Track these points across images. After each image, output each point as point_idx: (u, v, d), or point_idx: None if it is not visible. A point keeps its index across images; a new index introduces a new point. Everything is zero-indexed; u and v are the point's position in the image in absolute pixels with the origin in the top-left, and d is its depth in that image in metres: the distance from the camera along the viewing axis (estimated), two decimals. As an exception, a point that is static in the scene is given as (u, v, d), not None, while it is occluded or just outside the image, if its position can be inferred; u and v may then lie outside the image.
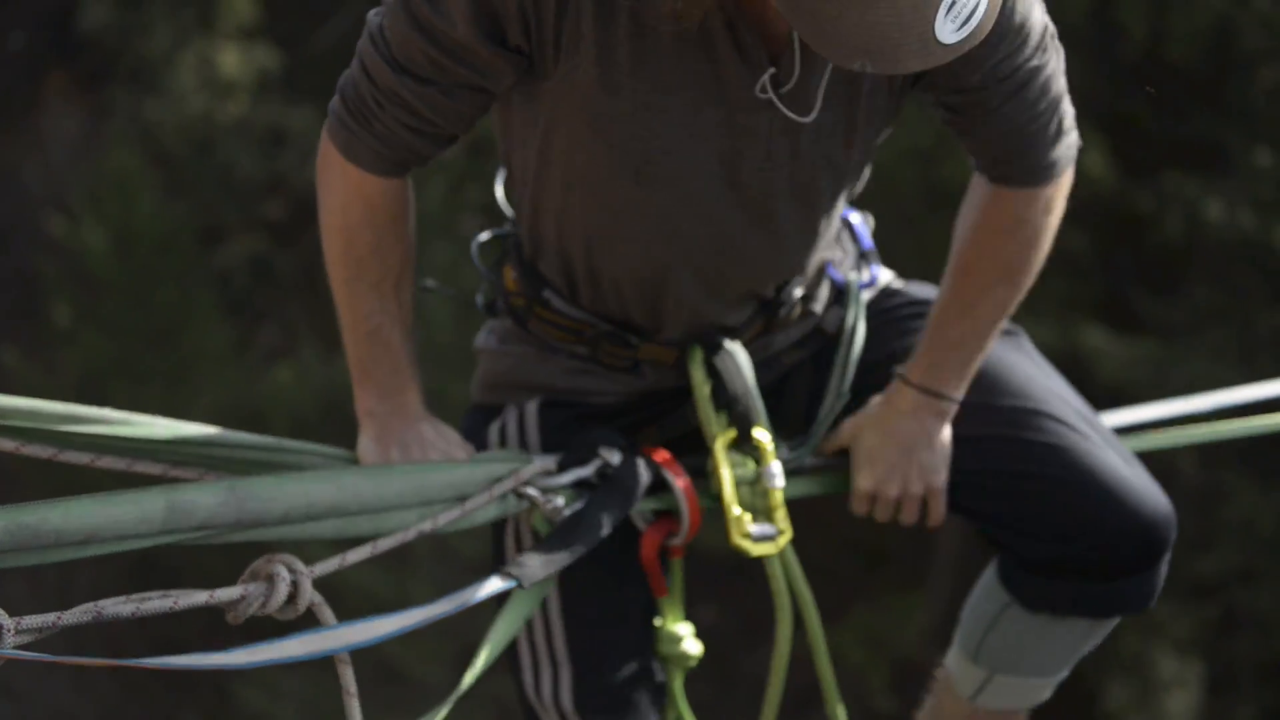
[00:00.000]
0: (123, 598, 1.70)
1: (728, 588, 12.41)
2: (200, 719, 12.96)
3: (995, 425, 2.21)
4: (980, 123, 2.05)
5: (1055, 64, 2.07)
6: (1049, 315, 12.00)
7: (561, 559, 2.02)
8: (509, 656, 2.25)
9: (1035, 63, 2.03)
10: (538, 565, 1.99)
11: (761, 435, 2.20)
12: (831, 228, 2.19)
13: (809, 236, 2.14)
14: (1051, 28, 2.05)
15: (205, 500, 1.78)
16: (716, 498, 2.16)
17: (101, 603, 1.68)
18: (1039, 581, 2.29)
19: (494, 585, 1.97)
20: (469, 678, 1.98)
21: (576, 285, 2.13)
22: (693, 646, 2.27)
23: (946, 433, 2.21)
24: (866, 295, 2.30)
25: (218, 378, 12.88)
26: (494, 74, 1.94)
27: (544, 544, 2.03)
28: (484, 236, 2.30)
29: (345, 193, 2.05)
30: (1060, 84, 2.09)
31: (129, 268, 13.19)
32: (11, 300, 14.92)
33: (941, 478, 2.21)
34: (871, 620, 12.59)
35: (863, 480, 2.23)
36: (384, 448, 2.09)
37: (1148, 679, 12.25)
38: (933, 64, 1.67)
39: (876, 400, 2.25)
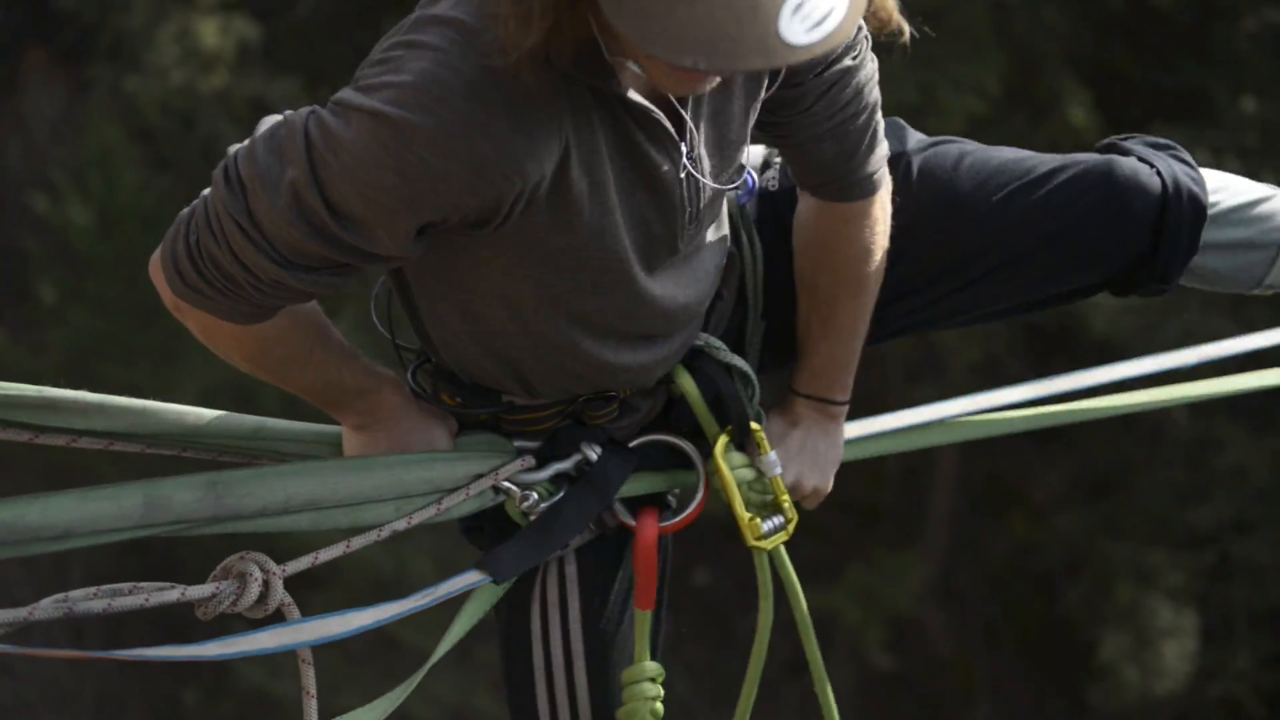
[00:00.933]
0: (93, 591, 1.70)
1: (722, 550, 12.41)
2: (201, 697, 12.99)
3: (970, 259, 2.24)
4: (797, 125, 2.02)
5: (872, 69, 2.04)
6: (1038, 269, 11.94)
7: (535, 555, 2.03)
8: (521, 702, 2.22)
9: (849, 63, 1.99)
10: (510, 561, 2.00)
11: (757, 425, 2.18)
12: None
13: (724, 238, 2.13)
14: (867, 33, 2.00)
15: (182, 495, 1.76)
16: (721, 496, 2.15)
17: (73, 596, 1.68)
18: (1142, 282, 2.31)
19: (468, 579, 1.98)
20: (433, 659, 1.98)
21: (533, 386, 2.05)
22: (659, 696, 2.16)
23: (839, 433, 2.27)
24: (751, 208, 2.22)
25: (207, 353, 12.77)
26: (404, 259, 1.84)
27: (518, 539, 2.03)
28: (410, 373, 2.14)
29: (233, 339, 1.91)
30: (876, 93, 2.07)
31: (114, 244, 13.15)
32: (-3, 279, 14.88)
33: (829, 479, 2.27)
34: (866, 578, 12.61)
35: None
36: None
37: (1143, 629, 12.29)
38: (777, 64, 1.58)
39: (777, 405, 2.28)
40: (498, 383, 2.05)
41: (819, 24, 1.56)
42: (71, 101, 15.09)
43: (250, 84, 14.22)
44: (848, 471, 2.33)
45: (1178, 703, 12.59)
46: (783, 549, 2.20)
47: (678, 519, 2.16)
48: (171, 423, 1.88)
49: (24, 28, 15.71)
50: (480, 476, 2.02)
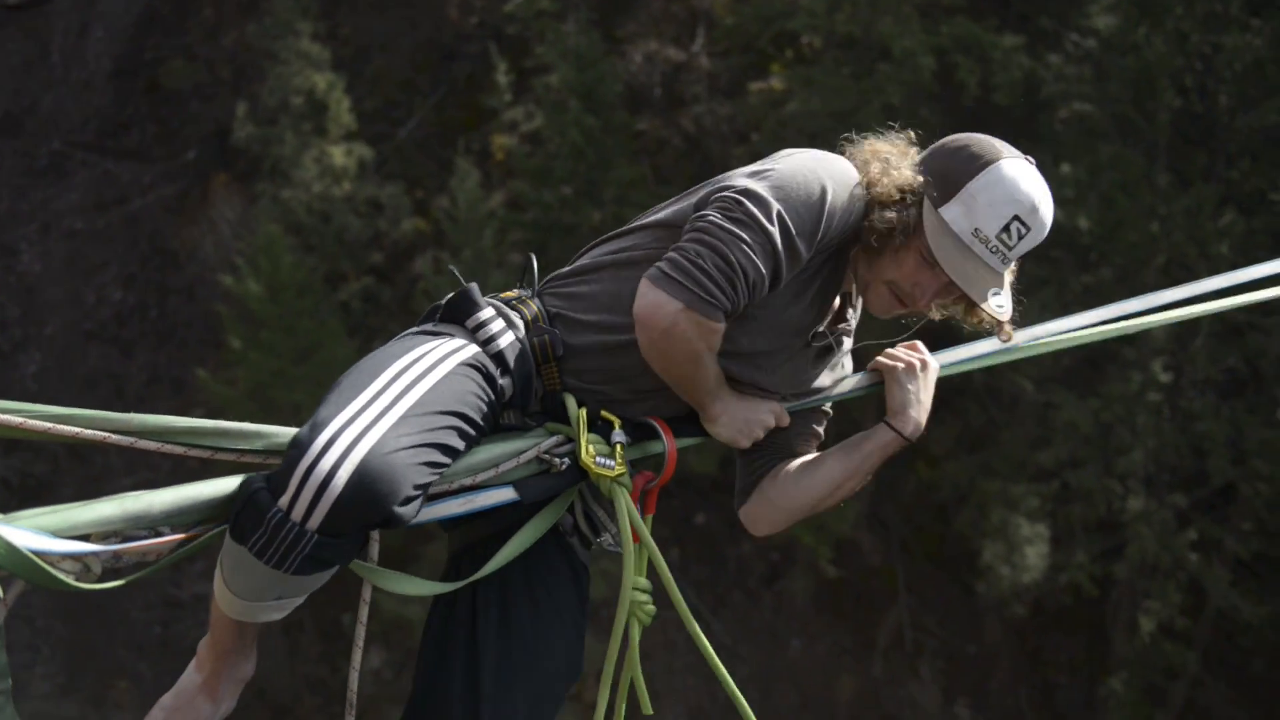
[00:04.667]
0: None
1: (713, 497, 12.38)
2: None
3: None
4: None
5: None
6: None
7: (551, 490, 1.99)
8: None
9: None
10: (536, 489, 1.96)
11: (613, 416, 2.05)
12: None
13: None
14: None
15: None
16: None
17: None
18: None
19: (502, 495, 1.93)
20: (488, 567, 1.91)
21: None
22: (651, 605, 2.00)
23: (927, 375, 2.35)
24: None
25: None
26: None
27: (541, 478, 1.99)
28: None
29: (694, 341, 1.97)
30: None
31: (278, 306, 13.15)
32: (200, 334, 14.88)
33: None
34: (819, 513, 12.55)
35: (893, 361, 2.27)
36: (738, 421, 2.11)
37: (1011, 538, 12.24)
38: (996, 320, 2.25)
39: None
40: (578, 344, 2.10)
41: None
42: (246, 209, 15.11)
43: (367, 189, 14.23)
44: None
45: (1038, 588, 12.55)
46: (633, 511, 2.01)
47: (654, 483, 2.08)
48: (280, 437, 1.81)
49: (212, 160, 15.74)
50: (530, 448, 1.97)
